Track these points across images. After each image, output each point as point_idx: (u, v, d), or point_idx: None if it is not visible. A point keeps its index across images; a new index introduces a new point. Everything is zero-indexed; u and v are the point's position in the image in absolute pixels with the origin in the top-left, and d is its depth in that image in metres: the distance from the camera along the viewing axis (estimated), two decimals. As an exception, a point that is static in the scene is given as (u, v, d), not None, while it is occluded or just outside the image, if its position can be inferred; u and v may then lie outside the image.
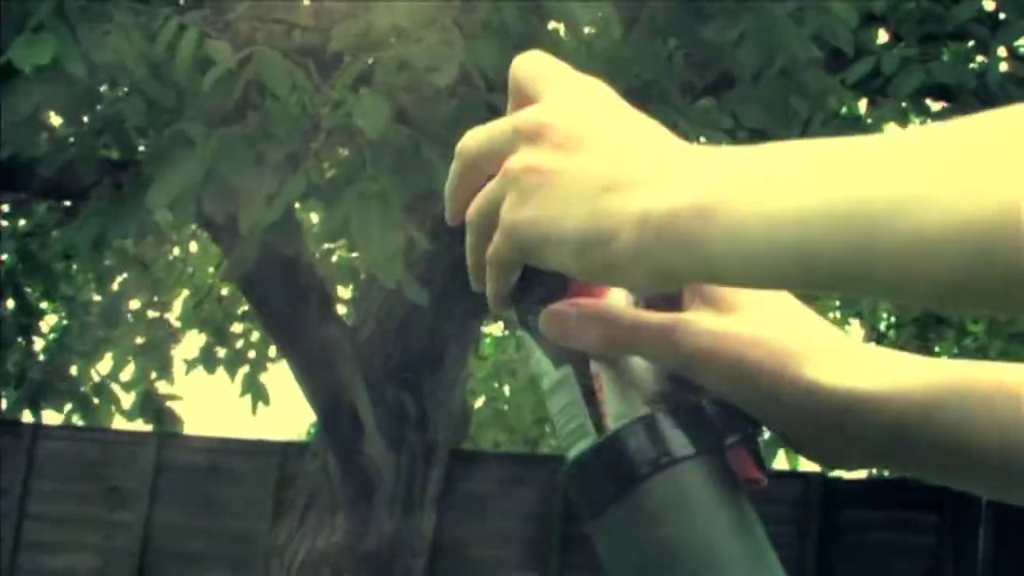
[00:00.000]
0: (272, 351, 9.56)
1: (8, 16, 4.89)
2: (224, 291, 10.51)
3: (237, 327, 10.39)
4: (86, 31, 4.74)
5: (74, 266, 9.85)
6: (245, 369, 9.86)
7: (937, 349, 11.01)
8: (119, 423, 9.99)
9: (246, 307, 9.65)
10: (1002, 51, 6.64)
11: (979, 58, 6.81)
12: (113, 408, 9.71)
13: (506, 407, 13.75)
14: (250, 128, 4.76)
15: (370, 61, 4.86)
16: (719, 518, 0.59)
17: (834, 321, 10.27)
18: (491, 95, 4.86)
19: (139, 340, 9.85)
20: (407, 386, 7.45)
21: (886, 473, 7.42)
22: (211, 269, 10.59)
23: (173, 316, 10.42)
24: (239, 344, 10.16)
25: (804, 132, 7.20)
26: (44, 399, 9.47)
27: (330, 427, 7.41)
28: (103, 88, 5.58)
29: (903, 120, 7.45)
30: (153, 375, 9.78)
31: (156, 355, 9.76)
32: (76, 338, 9.75)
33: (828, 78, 5.87)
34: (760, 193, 0.51)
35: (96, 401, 9.65)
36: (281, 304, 7.05)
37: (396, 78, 4.71)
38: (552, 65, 0.62)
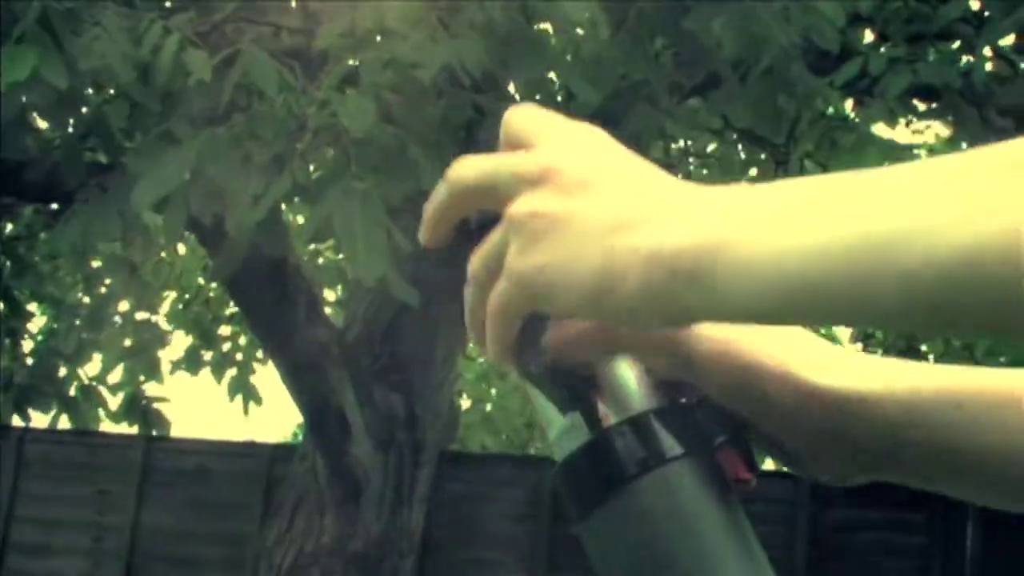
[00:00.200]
0: (260, 353, 9.55)
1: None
2: (212, 293, 10.50)
3: (225, 329, 10.37)
4: (72, 39, 4.71)
5: (61, 269, 9.83)
6: (232, 372, 9.85)
7: (924, 348, 11.04)
8: (106, 426, 9.97)
9: (234, 309, 9.64)
10: (987, 51, 6.64)
11: (965, 58, 6.82)
12: (100, 411, 9.68)
13: (494, 410, 13.73)
14: (237, 129, 4.75)
15: (356, 62, 4.86)
16: (708, 518, 0.59)
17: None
18: (477, 96, 4.86)
19: (127, 342, 9.82)
20: (395, 387, 7.45)
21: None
22: (199, 271, 10.57)
23: (161, 318, 10.40)
24: (227, 347, 10.15)
25: (792, 132, 7.21)
26: (31, 402, 9.43)
27: (317, 429, 7.40)
28: (88, 91, 5.56)
29: (891, 120, 7.47)
30: (141, 377, 9.76)
31: (144, 357, 9.73)
32: (64, 340, 9.72)
33: (816, 79, 5.87)
34: (767, 229, 0.51)
35: (83, 403, 9.62)
36: (268, 306, 7.03)
37: (382, 77, 4.71)
38: (546, 114, 0.62)
